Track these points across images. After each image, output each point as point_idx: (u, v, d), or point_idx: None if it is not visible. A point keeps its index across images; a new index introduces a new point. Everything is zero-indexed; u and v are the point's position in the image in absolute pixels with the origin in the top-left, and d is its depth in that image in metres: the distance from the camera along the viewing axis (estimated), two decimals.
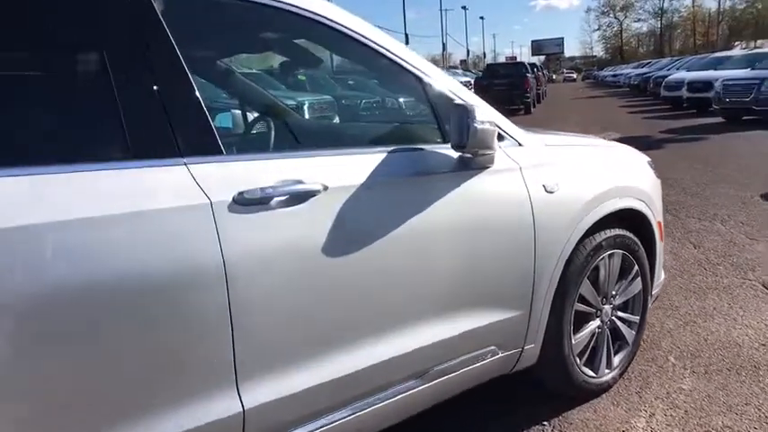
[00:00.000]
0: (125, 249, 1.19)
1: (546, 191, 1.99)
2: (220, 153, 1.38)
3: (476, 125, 1.61)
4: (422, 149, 1.76)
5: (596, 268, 2.24)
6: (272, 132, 1.88)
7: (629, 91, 28.84)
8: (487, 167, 1.84)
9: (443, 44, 63.60)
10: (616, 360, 2.43)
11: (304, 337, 1.47)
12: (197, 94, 1.37)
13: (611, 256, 2.28)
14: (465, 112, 1.62)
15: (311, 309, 1.46)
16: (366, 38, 1.68)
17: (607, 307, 2.35)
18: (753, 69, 12.19)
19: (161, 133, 1.31)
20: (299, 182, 1.44)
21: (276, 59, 2.70)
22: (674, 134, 10.92)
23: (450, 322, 1.79)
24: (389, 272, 1.60)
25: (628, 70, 34.37)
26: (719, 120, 12.32)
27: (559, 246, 2.03)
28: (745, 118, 11.64)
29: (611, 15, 73.95)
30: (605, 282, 2.30)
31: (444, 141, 1.82)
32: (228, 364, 1.35)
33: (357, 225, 1.52)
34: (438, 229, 1.70)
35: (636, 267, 2.43)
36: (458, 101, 1.75)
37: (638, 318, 2.51)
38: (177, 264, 1.25)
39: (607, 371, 2.38)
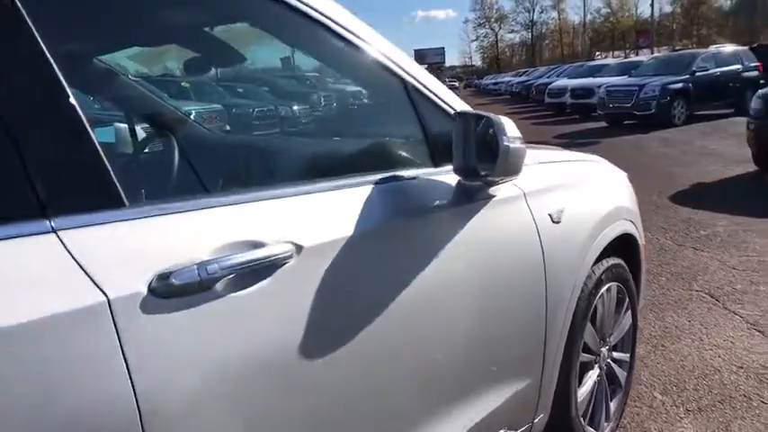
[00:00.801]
0: None
1: (552, 221, 1.57)
2: (119, 204, 0.79)
3: (507, 143, 1.13)
4: (413, 179, 1.27)
5: (595, 307, 1.86)
6: (198, 163, 1.27)
7: (510, 98, 30.13)
8: (493, 197, 1.39)
9: None
10: (612, 407, 2.07)
11: None
12: (73, 102, 0.77)
13: (608, 290, 1.91)
14: (490, 127, 1.15)
15: None
16: (337, 23, 1.15)
17: (604, 350, 1.98)
18: (630, 77, 12.97)
19: (7, 178, 0.70)
20: (258, 244, 0.88)
21: (173, 57, 2.06)
22: (567, 139, 11.27)
23: (460, 415, 1.30)
24: (393, 368, 1.08)
25: (508, 78, 36.00)
26: (603, 124, 12.96)
27: (568, 289, 1.62)
28: (626, 122, 12.33)
29: (486, 26, 77.81)
30: (603, 321, 1.93)
31: (435, 164, 1.34)
32: None
33: (347, 304, 1.00)
34: (445, 293, 1.21)
35: (627, 300, 2.09)
36: (465, 110, 1.28)
37: (628, 355, 2.18)
38: (47, 419, 0.65)
39: (606, 423, 2.02)
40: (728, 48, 12.87)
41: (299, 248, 0.92)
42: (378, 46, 1.26)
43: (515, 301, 1.43)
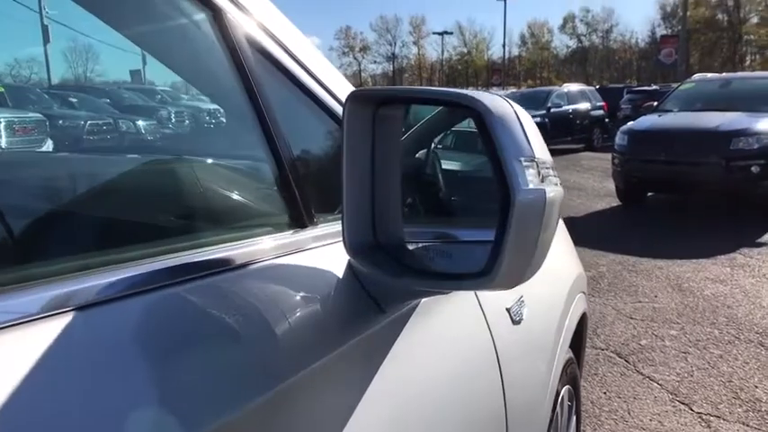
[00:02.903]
0: None
1: (512, 321, 0.86)
2: None
3: (537, 187, 0.40)
4: (244, 268, 0.48)
5: None
6: None
7: None
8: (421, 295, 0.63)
9: None
10: None
11: None
12: None
13: (561, 401, 1.25)
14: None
15: None
16: None
17: None
18: None
19: None
20: None
21: None
22: None
23: None
24: None
25: None
26: None
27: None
28: None
29: (350, 56, 78.91)
30: None
31: (299, 223, 0.56)
32: None
33: None
34: None
35: (574, 402, 1.46)
36: (368, 89, 0.52)
37: None
38: None
39: None
40: (578, 87, 13.67)
41: None
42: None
43: None
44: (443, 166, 0.75)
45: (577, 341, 1.47)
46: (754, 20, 43.20)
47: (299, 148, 0.56)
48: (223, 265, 0.47)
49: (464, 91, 0.47)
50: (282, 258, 0.51)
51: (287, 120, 0.55)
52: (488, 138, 0.42)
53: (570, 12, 60.83)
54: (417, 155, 0.74)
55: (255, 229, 0.52)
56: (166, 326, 0.42)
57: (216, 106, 0.65)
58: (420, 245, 0.53)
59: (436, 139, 0.80)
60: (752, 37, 43.52)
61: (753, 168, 5.35)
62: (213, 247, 0.48)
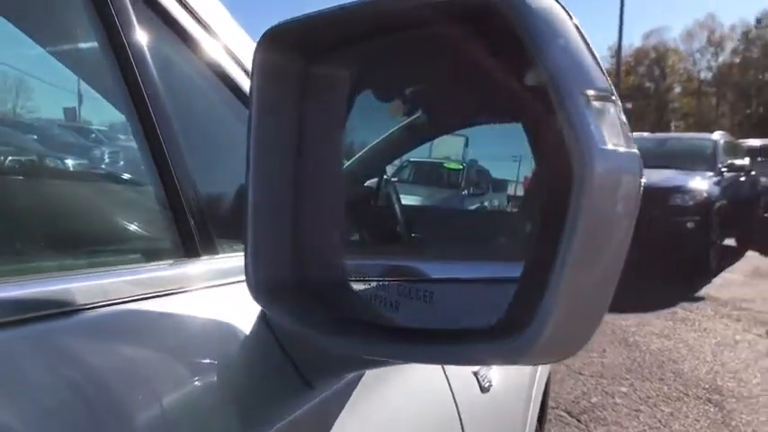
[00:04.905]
0: None
1: (480, 388, 0.68)
2: None
3: (639, 162, 0.23)
4: (81, 313, 0.29)
5: None
6: None
7: None
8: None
9: None
10: None
11: None
12: None
13: None
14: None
15: None
16: None
17: None
18: None
19: None
20: None
21: None
22: None
23: None
24: None
25: None
26: None
27: None
28: None
29: None
30: None
31: (187, 252, 0.37)
32: None
33: None
34: None
35: None
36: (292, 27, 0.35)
37: None
38: None
39: None
40: None
41: None
42: None
43: None
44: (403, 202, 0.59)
45: (542, 406, 1.31)
46: (678, 89, 46.51)
47: (197, 141, 0.38)
48: (48, 307, 0.28)
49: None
50: (153, 301, 0.33)
51: (178, 100, 0.37)
52: (516, 59, 0.23)
53: None
54: (367, 183, 0.58)
55: (113, 255, 0.34)
56: None
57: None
58: (373, 284, 0.35)
59: (390, 169, 0.64)
60: (676, 105, 46.74)
61: (688, 224, 5.50)
62: (35, 277, 0.29)
